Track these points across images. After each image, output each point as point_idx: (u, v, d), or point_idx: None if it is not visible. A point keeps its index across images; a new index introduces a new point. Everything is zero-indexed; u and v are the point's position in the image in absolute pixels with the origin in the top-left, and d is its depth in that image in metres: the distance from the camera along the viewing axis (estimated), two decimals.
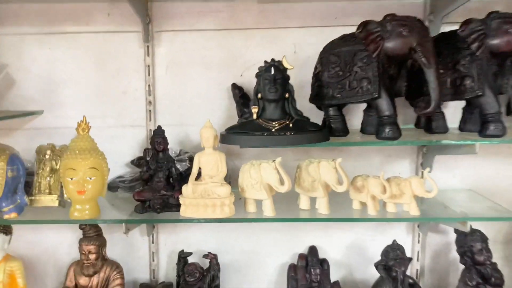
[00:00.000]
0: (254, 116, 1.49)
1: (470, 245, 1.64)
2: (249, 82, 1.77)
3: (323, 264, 1.79)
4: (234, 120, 1.62)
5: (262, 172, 1.48)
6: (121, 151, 1.83)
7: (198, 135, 1.76)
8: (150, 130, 1.79)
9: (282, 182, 1.47)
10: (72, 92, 1.81)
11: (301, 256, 1.82)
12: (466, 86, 1.47)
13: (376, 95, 1.43)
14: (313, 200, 1.57)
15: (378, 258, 1.84)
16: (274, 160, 1.48)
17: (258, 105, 1.49)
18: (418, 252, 1.86)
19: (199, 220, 1.47)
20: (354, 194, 1.56)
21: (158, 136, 1.58)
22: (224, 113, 1.81)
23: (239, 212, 1.53)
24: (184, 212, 1.50)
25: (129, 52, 1.78)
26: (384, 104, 1.45)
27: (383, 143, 1.46)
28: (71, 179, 1.46)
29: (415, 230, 1.86)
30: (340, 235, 1.87)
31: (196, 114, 1.81)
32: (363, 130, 1.63)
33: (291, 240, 1.88)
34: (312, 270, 1.74)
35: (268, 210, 1.50)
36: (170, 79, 1.80)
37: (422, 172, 1.81)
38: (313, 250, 1.84)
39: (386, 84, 1.46)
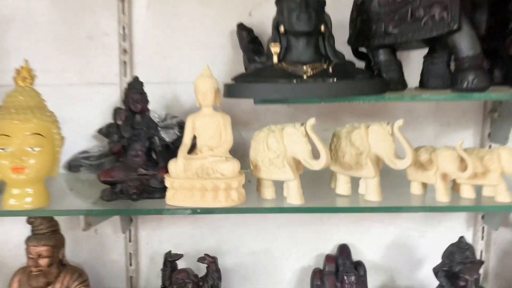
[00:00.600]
0: (275, 59, 1.02)
1: None
2: (260, 23, 1.30)
3: (358, 268, 1.34)
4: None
5: (287, 141, 1.02)
6: (86, 118, 1.35)
7: (189, 97, 1.31)
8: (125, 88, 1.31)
9: (315, 155, 1.01)
10: (19, 37, 1.32)
11: (329, 258, 1.37)
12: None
13: (456, 27, 0.97)
14: (354, 182, 1.11)
15: (429, 259, 1.41)
16: (303, 124, 1.01)
17: (280, 42, 1.02)
18: (481, 252, 1.42)
19: (193, 211, 1.00)
20: (414, 173, 1.10)
21: (134, 91, 1.10)
22: (226, 65, 1.33)
23: (251, 200, 1.06)
24: (172, 199, 1.03)
25: None
26: (466, 39, 0.98)
27: (465, 96, 1.00)
28: (3, 150, 0.99)
29: (477, 222, 1.42)
30: (379, 229, 1.42)
31: (189, 67, 1.33)
32: (423, 84, 1.16)
33: (314, 237, 1.42)
34: (345, 276, 1.29)
35: (294, 196, 1.04)
36: (152, 19, 1.33)
37: (490, 146, 1.37)
38: (344, 250, 1.38)
39: (468, 11, 1.00)
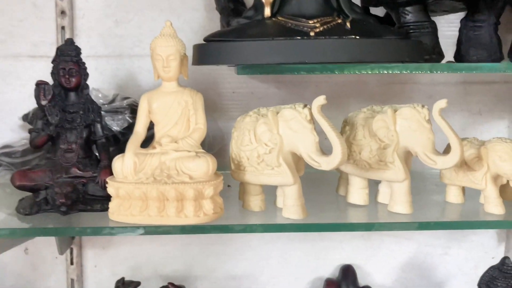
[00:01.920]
0: (267, 11, 0.71)
1: None
2: None
3: None
4: None
5: (284, 129, 0.71)
6: (13, 102, 1.02)
7: (149, 74, 1.01)
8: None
9: (324, 151, 0.70)
10: None
11: (329, 283, 1.08)
12: None
13: None
14: (372, 186, 0.81)
15: (453, 283, 1.14)
16: (307, 105, 0.71)
17: None
18: None
19: (146, 231, 0.68)
20: (454, 174, 0.81)
21: (66, 59, 0.78)
22: (197, 35, 1.01)
23: (230, 210, 0.76)
24: (117, 212, 0.71)
25: None
26: None
27: None
28: None
29: (511, 237, 1.14)
30: (392, 246, 1.13)
31: (148, 37, 1.00)
32: (461, 56, 0.87)
33: (311, 257, 1.12)
34: None
35: (293, 208, 0.73)
36: None
37: None
38: (349, 273, 1.09)
39: None
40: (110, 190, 0.71)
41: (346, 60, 0.63)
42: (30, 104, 1.00)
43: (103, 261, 1.09)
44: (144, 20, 1.03)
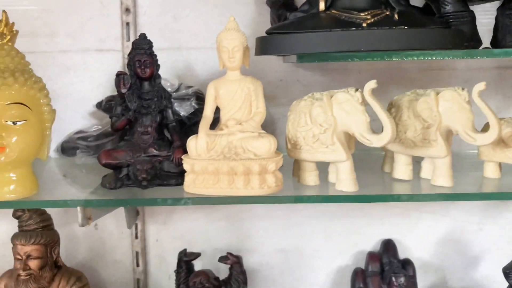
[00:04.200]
0: (322, 6, 0.79)
1: None
2: None
3: (407, 267, 1.13)
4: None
5: (337, 111, 0.80)
6: (82, 91, 1.13)
7: (205, 65, 1.11)
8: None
9: (374, 130, 0.79)
10: None
11: (372, 256, 1.16)
12: None
13: None
14: (414, 164, 0.89)
15: (487, 258, 1.20)
16: (358, 89, 0.80)
17: None
18: None
19: (222, 201, 0.79)
20: (491, 151, 0.88)
21: (141, 51, 0.88)
22: (248, 29, 1.11)
23: (287, 187, 0.85)
24: (193, 186, 0.81)
25: None
26: None
27: None
28: None
29: None
30: (429, 223, 1.20)
31: (203, 31, 1.11)
32: (498, 43, 0.94)
33: (353, 232, 1.20)
34: (393, 278, 1.09)
35: (346, 182, 0.82)
36: None
37: None
38: (389, 246, 1.17)
39: None
40: (186, 166, 0.81)
41: (396, 48, 0.71)
42: (98, 93, 1.12)
43: (164, 235, 1.19)
44: (199, 15, 1.12)
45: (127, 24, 1.10)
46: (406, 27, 0.71)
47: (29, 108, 0.80)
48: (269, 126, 1.11)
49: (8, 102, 0.78)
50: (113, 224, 1.18)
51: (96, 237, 1.19)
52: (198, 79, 1.12)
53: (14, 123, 0.78)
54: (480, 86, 0.80)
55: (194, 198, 0.79)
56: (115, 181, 0.85)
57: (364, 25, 0.73)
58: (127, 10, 1.10)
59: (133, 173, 0.84)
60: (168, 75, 1.09)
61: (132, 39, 1.10)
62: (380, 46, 0.70)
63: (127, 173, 0.85)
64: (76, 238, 1.18)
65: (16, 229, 0.99)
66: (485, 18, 1.02)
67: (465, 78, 1.15)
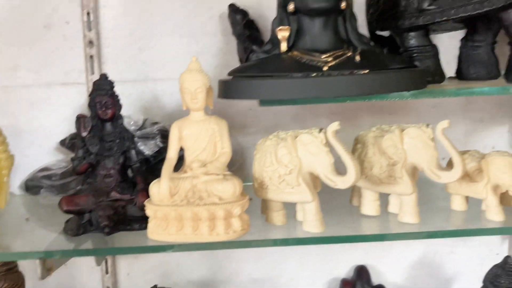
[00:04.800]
0: (284, 46, 0.78)
1: None
2: (256, 3, 1.08)
3: None
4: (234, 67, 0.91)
5: (302, 152, 0.79)
6: (47, 126, 1.10)
7: (172, 97, 1.09)
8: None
9: (339, 170, 0.78)
10: None
11: (345, 283, 1.16)
12: None
13: None
14: (382, 196, 0.89)
15: (459, 280, 1.21)
16: (322, 129, 0.79)
17: (289, 24, 0.79)
18: None
19: (184, 248, 0.77)
20: (457, 185, 0.88)
21: (102, 92, 0.86)
22: (216, 57, 1.10)
23: (255, 225, 0.84)
24: (156, 232, 0.79)
25: None
26: None
27: None
28: None
29: None
30: (402, 247, 1.21)
31: (170, 61, 1.10)
32: (461, 74, 0.95)
33: (328, 259, 1.20)
34: None
35: (313, 223, 0.81)
36: (124, 3, 1.08)
37: None
38: (363, 272, 1.17)
39: None
40: (149, 212, 0.79)
41: (357, 94, 0.70)
42: (63, 128, 1.10)
43: (135, 269, 1.17)
44: (165, 46, 1.10)
45: (91, 57, 1.08)
46: (366, 72, 0.71)
47: None
48: (239, 155, 1.10)
49: None
50: (83, 260, 1.16)
51: (66, 273, 1.16)
52: (165, 111, 1.11)
53: None
54: (444, 124, 0.80)
55: (157, 247, 0.77)
56: (77, 228, 0.82)
57: (325, 68, 0.73)
58: (91, 42, 1.08)
59: (96, 219, 0.82)
60: (133, 109, 1.07)
61: (96, 71, 1.08)
62: (340, 93, 0.69)
63: (89, 218, 0.83)
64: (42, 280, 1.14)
65: None
66: (451, 45, 1.02)
67: (434, 103, 1.15)
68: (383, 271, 1.21)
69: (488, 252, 1.21)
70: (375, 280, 1.17)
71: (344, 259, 1.19)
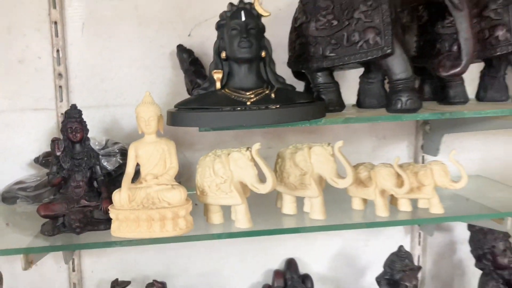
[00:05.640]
0: (218, 85, 1.02)
1: (492, 245, 1.31)
2: (200, 43, 1.30)
3: (306, 281, 1.37)
4: (182, 97, 1.13)
5: (233, 166, 1.02)
6: (21, 146, 1.29)
7: (130, 120, 1.30)
8: (62, 114, 1.26)
9: (261, 179, 1.02)
10: None
11: (277, 273, 1.39)
12: (499, 39, 1.11)
13: (389, 51, 1.02)
14: (299, 201, 1.14)
15: (372, 268, 1.47)
16: (248, 148, 1.02)
17: (222, 68, 1.02)
18: (418, 257, 1.50)
19: (140, 242, 0.99)
20: (355, 189, 1.14)
21: (72, 120, 1.06)
22: (167, 86, 1.32)
23: (198, 225, 1.06)
24: (118, 231, 1.00)
25: (26, 3, 1.24)
26: (399, 63, 1.04)
27: (399, 117, 1.05)
28: None
29: (414, 230, 1.49)
30: (324, 242, 1.46)
31: (128, 90, 1.31)
32: (360, 103, 1.21)
33: (263, 254, 1.44)
34: None
35: (242, 220, 1.04)
36: (88, 41, 1.28)
37: (423, 157, 1.45)
38: (291, 264, 1.41)
39: (400, 35, 1.06)
40: (112, 215, 1.00)
41: (272, 123, 0.94)
42: (35, 148, 1.28)
43: (98, 267, 1.36)
44: (123, 77, 1.31)
45: (60, 87, 1.27)
46: (277, 106, 0.95)
47: None
48: (187, 169, 1.32)
49: None
50: (51, 259, 1.34)
51: (37, 272, 1.34)
52: (124, 132, 1.31)
53: None
54: (339, 144, 1.05)
55: (119, 242, 0.98)
56: (52, 229, 1.02)
57: (248, 103, 0.96)
58: (60, 75, 1.27)
59: (68, 221, 1.02)
60: (96, 130, 1.27)
61: (64, 99, 1.27)
62: (259, 122, 0.93)
63: (63, 221, 1.03)
64: (16, 275, 1.31)
65: None
66: (351, 81, 1.27)
67: (347, 124, 1.41)
68: (308, 262, 1.45)
69: (394, 244, 1.47)
70: (302, 270, 1.41)
71: (276, 253, 1.43)
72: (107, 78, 1.30)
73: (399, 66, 1.04)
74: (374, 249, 1.48)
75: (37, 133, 1.28)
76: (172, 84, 1.32)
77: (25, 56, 1.27)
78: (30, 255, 0.97)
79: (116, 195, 1.00)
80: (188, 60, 1.25)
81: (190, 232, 1.02)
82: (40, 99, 1.29)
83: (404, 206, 1.14)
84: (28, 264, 0.96)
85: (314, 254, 1.45)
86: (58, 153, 1.05)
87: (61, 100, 1.28)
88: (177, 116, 0.99)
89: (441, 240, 1.52)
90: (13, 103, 1.28)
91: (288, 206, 1.13)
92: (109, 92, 1.31)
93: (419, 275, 1.38)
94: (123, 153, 1.17)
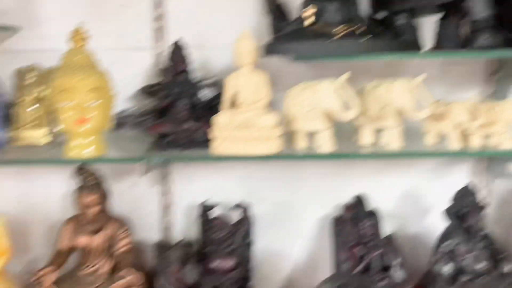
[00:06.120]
0: (310, 21, 1.13)
1: None
2: None
3: (372, 216, 1.48)
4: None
5: (320, 95, 1.14)
6: (123, 81, 1.43)
7: (221, 60, 1.42)
8: (159, 53, 1.41)
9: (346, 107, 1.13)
10: (57, 5, 1.42)
11: (348, 207, 1.51)
12: None
13: None
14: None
15: (435, 207, 1.56)
16: (336, 79, 1.14)
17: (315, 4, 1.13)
18: (484, 199, 1.57)
19: (238, 158, 1.13)
20: (429, 124, 1.23)
21: (178, 53, 1.21)
22: (254, 30, 1.44)
23: (285, 150, 1.19)
24: (219, 147, 1.15)
25: None
26: (480, 3, 1.11)
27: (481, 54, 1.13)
28: (67, 104, 1.09)
29: (481, 172, 1.56)
30: (391, 180, 1.56)
31: (221, 32, 1.44)
32: (437, 46, 1.29)
33: (332, 190, 1.55)
34: (362, 223, 1.44)
35: (326, 144, 1.17)
36: None
37: None
38: (361, 200, 1.52)
39: None
40: (215, 133, 1.15)
41: (358, 55, 1.06)
42: (134, 84, 1.44)
43: (186, 192, 1.52)
44: (217, 19, 1.43)
45: (158, 28, 1.42)
46: (366, 38, 1.06)
47: (102, 91, 1.13)
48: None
49: (89, 87, 1.11)
50: (145, 183, 1.50)
51: (131, 194, 1.51)
52: (215, 70, 1.43)
53: (93, 102, 1.11)
54: (422, 76, 1.14)
55: (221, 157, 1.14)
56: (162, 145, 1.18)
57: (338, 37, 1.08)
58: (160, 16, 1.42)
59: (175, 139, 1.18)
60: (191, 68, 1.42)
61: (162, 41, 1.42)
62: (348, 53, 1.05)
63: (170, 139, 1.19)
64: (115, 194, 1.48)
65: (69, 188, 1.31)
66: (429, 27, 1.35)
67: (420, 69, 1.47)
68: (376, 199, 1.55)
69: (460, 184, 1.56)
70: (370, 207, 1.52)
71: (344, 190, 1.52)
72: (202, 21, 1.44)
73: (480, 5, 1.11)
74: (438, 190, 1.55)
75: (136, 70, 1.44)
76: (260, 28, 1.44)
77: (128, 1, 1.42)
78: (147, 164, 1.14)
79: (220, 117, 1.15)
80: (273, 6, 1.35)
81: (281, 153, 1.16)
82: (140, 40, 1.44)
83: (477, 140, 1.22)
84: (148, 170, 1.13)
85: (383, 192, 1.55)
86: (168, 80, 1.20)
87: (159, 41, 1.42)
88: (275, 46, 1.11)
89: (507, 186, 1.58)
90: (116, 42, 1.44)
91: (367, 136, 1.24)
92: (202, 34, 1.44)
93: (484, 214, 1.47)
94: (218, 85, 1.31)
